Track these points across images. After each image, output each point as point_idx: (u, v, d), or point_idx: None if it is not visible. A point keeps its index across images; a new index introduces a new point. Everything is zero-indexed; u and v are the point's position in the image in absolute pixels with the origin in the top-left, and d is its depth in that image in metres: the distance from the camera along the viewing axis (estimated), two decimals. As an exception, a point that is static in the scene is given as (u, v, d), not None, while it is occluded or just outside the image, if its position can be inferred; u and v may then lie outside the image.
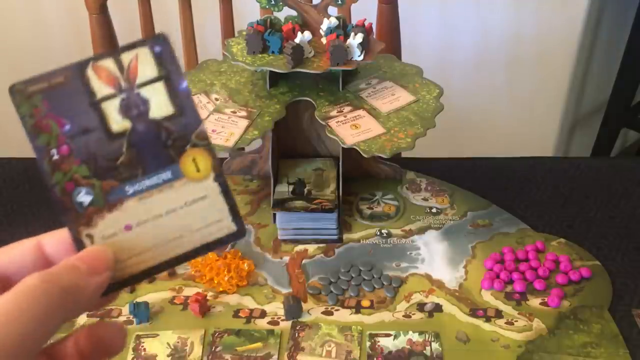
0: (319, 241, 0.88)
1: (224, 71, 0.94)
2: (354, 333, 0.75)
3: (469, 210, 0.93)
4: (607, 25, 1.83)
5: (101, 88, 0.32)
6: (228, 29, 1.18)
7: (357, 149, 0.80)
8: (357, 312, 0.78)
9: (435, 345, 0.73)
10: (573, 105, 1.93)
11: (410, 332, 0.75)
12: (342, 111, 0.86)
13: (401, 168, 0.98)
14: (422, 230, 0.89)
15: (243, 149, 0.90)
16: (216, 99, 0.89)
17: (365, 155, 0.80)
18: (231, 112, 0.86)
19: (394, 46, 1.19)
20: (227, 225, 0.34)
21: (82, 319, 0.74)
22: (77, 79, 0.32)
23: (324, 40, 0.88)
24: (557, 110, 1.89)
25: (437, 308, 0.78)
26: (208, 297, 0.79)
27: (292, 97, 0.88)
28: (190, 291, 0.80)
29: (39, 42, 1.62)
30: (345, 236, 0.89)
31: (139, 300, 0.78)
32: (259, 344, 0.74)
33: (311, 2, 0.99)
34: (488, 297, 0.80)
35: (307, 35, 0.85)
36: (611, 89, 1.81)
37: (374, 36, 0.93)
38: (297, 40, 0.84)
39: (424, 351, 0.73)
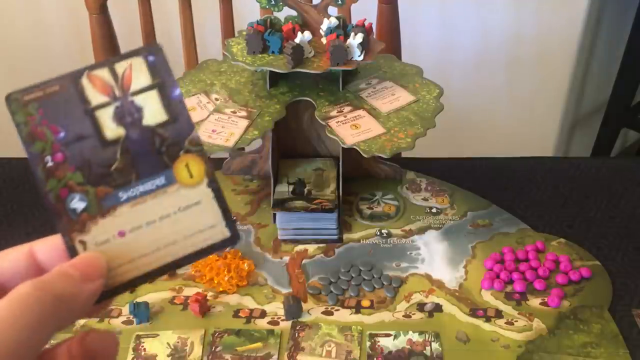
0: (319, 241, 0.88)
1: (224, 71, 0.94)
2: (354, 333, 0.75)
3: (469, 210, 0.93)
4: (607, 25, 1.83)
5: (96, 96, 0.32)
6: (228, 29, 1.18)
7: (357, 149, 0.80)
8: (357, 312, 0.78)
9: (435, 345, 0.73)
10: (573, 105, 1.93)
11: (410, 332, 0.75)
12: (342, 111, 0.86)
13: (401, 168, 0.98)
14: (422, 230, 0.89)
15: (243, 149, 0.90)
16: (216, 99, 0.89)
17: (365, 155, 0.80)
18: (231, 112, 0.86)
19: (394, 46, 1.19)
20: (221, 231, 0.34)
21: (82, 320, 0.74)
22: (72, 88, 0.32)
23: (324, 40, 0.88)
24: (557, 110, 1.89)
25: (437, 308, 0.78)
26: (208, 297, 0.79)
27: (292, 97, 0.88)
28: (190, 291, 0.80)
29: (39, 42, 1.62)
30: (345, 236, 0.89)
31: (139, 300, 0.78)
32: (259, 344, 0.74)
33: (311, 2, 0.99)
34: (488, 297, 0.80)
35: (307, 35, 0.85)
36: (611, 89, 1.81)
37: (374, 36, 0.93)
38: (297, 40, 0.84)
39: (424, 351, 0.73)
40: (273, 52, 0.86)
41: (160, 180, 0.33)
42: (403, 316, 0.77)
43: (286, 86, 0.90)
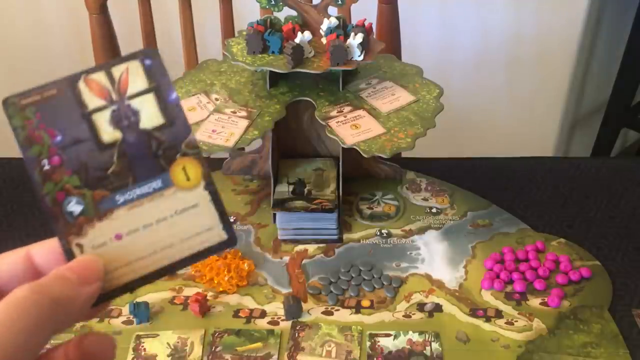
0: (319, 241, 0.88)
1: (224, 71, 0.94)
2: (354, 333, 0.75)
3: (469, 210, 0.93)
4: (607, 25, 1.83)
5: (92, 100, 0.33)
6: (228, 29, 1.18)
7: (357, 149, 0.80)
8: (357, 312, 0.78)
9: (435, 345, 0.73)
10: (573, 105, 1.93)
11: (410, 332, 0.75)
12: (342, 111, 0.86)
13: (401, 168, 0.98)
14: (422, 230, 0.89)
15: (243, 149, 0.90)
16: (216, 99, 0.89)
17: (365, 155, 0.80)
18: (231, 112, 0.86)
19: (394, 46, 1.19)
20: (218, 234, 0.34)
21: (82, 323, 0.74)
22: (69, 92, 0.32)
23: (324, 40, 0.88)
24: (557, 110, 1.89)
25: (437, 308, 0.78)
26: (208, 297, 0.79)
27: (292, 97, 0.88)
28: (190, 291, 0.80)
29: (39, 42, 1.62)
30: (345, 236, 0.89)
31: (139, 300, 0.78)
32: (259, 344, 0.74)
33: (311, 2, 0.99)
34: (488, 297, 0.80)
35: (307, 35, 0.85)
36: (611, 89, 1.81)
37: (374, 36, 0.93)
38: (297, 40, 0.84)
39: (424, 351, 0.73)
40: (273, 52, 0.86)
41: (157, 183, 0.33)
42: (403, 316, 0.77)
43: (286, 86, 0.90)
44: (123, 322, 0.76)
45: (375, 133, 0.83)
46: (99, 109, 0.33)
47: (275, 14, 0.90)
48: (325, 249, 0.87)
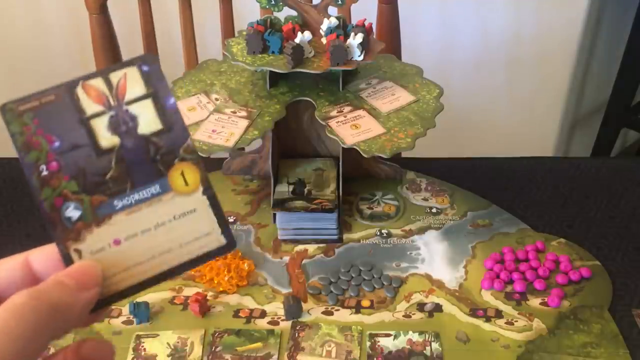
0: (319, 241, 0.88)
1: (224, 71, 0.94)
2: (354, 333, 0.75)
3: (469, 210, 0.93)
4: (607, 25, 1.83)
5: (90, 106, 0.33)
6: (228, 29, 1.18)
7: (357, 149, 0.80)
8: (357, 312, 0.78)
9: (435, 345, 0.73)
10: (573, 105, 1.93)
11: (410, 332, 0.75)
12: (342, 111, 0.86)
13: (401, 168, 0.98)
14: (422, 230, 0.89)
15: (243, 149, 0.90)
16: (216, 99, 0.89)
17: (365, 155, 0.80)
18: (231, 112, 0.86)
19: (394, 46, 1.19)
20: (217, 238, 0.34)
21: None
22: (67, 97, 0.32)
23: (324, 40, 0.88)
24: (557, 110, 1.89)
25: (437, 308, 0.78)
26: (208, 297, 0.79)
27: (292, 97, 0.88)
28: (190, 291, 0.80)
29: (39, 42, 1.62)
30: (345, 236, 0.89)
31: (139, 300, 0.78)
32: (259, 344, 0.74)
33: (311, 2, 0.99)
34: (488, 297, 0.80)
35: (307, 35, 0.85)
36: (611, 89, 1.81)
37: (374, 36, 0.93)
38: (297, 40, 0.84)
39: (424, 351, 0.73)
40: (273, 52, 0.86)
41: (155, 189, 0.33)
42: (403, 316, 0.77)
43: (286, 86, 0.90)
44: (123, 322, 0.76)
45: (375, 133, 0.83)
46: (97, 115, 0.33)
47: (275, 14, 0.90)
48: (325, 249, 0.87)
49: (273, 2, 0.88)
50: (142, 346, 0.73)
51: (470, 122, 1.76)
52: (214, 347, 0.73)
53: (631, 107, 1.85)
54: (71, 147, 0.32)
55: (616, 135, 1.90)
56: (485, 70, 1.78)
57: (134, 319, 0.76)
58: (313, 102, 0.88)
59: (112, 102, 0.33)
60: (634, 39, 1.71)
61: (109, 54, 1.15)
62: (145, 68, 0.33)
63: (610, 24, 1.83)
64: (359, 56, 0.85)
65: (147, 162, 0.33)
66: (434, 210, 0.93)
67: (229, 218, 0.91)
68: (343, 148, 0.84)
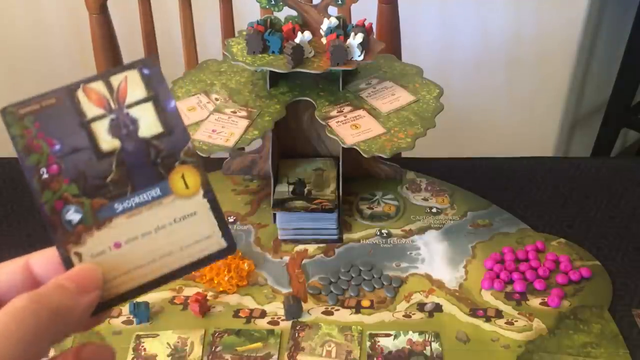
0: (319, 241, 0.88)
1: (224, 71, 0.94)
2: (354, 333, 0.75)
3: (469, 210, 0.93)
4: (607, 25, 1.83)
5: (91, 109, 0.33)
6: (228, 29, 1.18)
7: (357, 149, 0.80)
8: (357, 312, 0.78)
9: (435, 345, 0.73)
10: (573, 105, 1.93)
11: (410, 332, 0.75)
12: (342, 111, 0.86)
13: (401, 168, 0.98)
14: (422, 230, 0.89)
15: (243, 149, 0.90)
16: (216, 99, 0.89)
17: (365, 155, 0.80)
18: (231, 112, 0.86)
19: (394, 46, 1.19)
20: (217, 242, 0.34)
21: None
22: (67, 101, 0.32)
23: (324, 40, 0.88)
24: (557, 110, 1.89)
25: (437, 308, 0.78)
26: (208, 297, 0.79)
27: (292, 97, 0.88)
28: (190, 291, 0.80)
29: (39, 42, 1.62)
30: (345, 236, 0.89)
31: (139, 300, 0.78)
32: (259, 344, 0.74)
33: (311, 2, 0.99)
34: (488, 297, 0.80)
35: (307, 35, 0.85)
36: (611, 89, 1.81)
37: (374, 36, 0.93)
38: (297, 40, 0.84)
39: (424, 351, 0.73)
40: (273, 52, 0.86)
41: (155, 192, 0.33)
42: (403, 316, 0.77)
43: (286, 86, 0.90)
44: (123, 322, 0.76)
45: (375, 133, 0.83)
46: (98, 118, 0.33)
47: (275, 14, 0.90)
48: (325, 249, 0.87)
49: (273, 2, 0.88)
50: (142, 346, 0.73)
51: (470, 122, 1.76)
52: (214, 347, 0.73)
53: (631, 107, 1.85)
54: (72, 150, 0.32)
55: (616, 135, 1.90)
56: (485, 70, 1.78)
57: (134, 319, 0.76)
58: (313, 102, 0.88)
59: (112, 106, 0.33)
60: (634, 39, 1.71)
61: (109, 54, 1.15)
62: (145, 71, 0.33)
63: (610, 24, 1.83)
64: (359, 56, 0.85)
65: (147, 165, 0.33)
66: (434, 210, 0.93)
67: (229, 218, 0.91)
68: (343, 148, 0.84)
